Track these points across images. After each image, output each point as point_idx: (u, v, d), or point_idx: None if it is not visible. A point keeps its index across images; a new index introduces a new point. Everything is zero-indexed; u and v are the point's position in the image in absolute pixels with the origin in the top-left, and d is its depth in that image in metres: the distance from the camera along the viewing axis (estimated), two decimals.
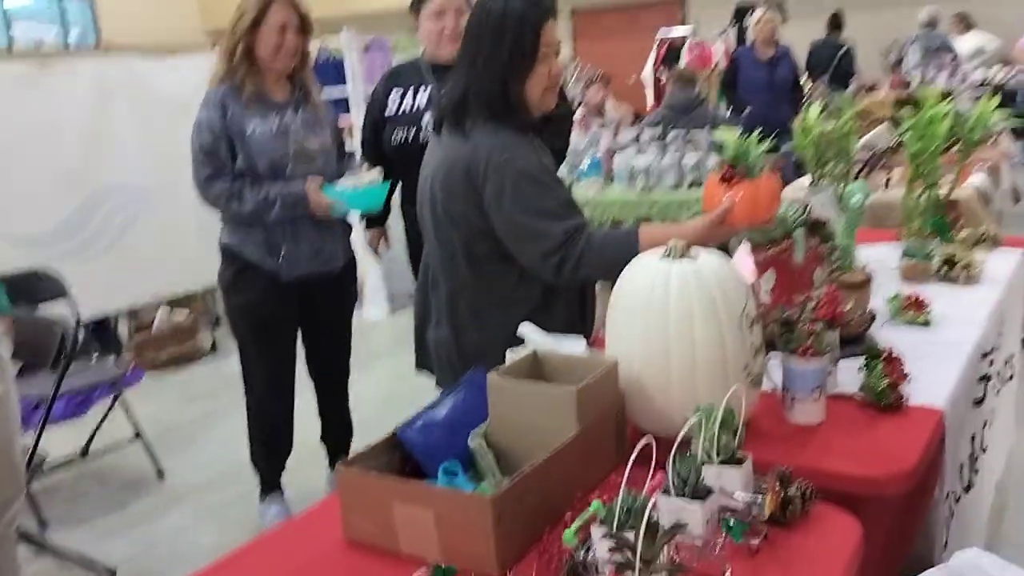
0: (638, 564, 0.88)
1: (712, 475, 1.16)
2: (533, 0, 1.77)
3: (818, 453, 1.43)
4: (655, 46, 9.71)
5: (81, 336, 3.84)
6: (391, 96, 2.93)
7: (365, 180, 2.74)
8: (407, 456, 1.40)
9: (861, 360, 1.66)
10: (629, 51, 10.41)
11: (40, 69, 4.21)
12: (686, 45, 9.47)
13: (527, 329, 1.74)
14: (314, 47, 6.13)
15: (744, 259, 1.93)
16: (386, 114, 2.93)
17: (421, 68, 2.92)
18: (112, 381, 3.47)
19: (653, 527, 0.92)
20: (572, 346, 1.70)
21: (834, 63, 8.84)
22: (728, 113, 6.43)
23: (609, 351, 1.56)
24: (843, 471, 1.37)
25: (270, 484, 2.93)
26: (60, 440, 3.57)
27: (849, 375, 1.67)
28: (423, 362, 2.15)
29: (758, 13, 6.32)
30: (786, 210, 1.90)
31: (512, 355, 1.66)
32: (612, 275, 1.75)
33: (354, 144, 5.32)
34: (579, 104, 6.92)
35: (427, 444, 1.40)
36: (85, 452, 3.51)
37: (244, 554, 1.33)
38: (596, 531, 1.03)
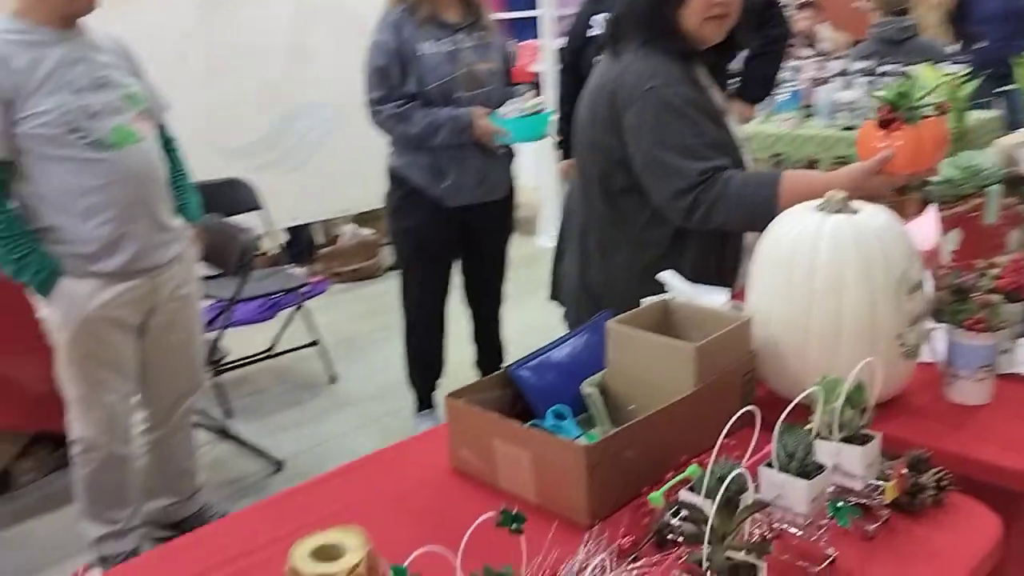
0: (707, 535, 0.82)
1: (829, 452, 1.06)
2: None
3: (972, 439, 1.27)
4: None
5: (275, 244, 4.14)
6: (595, 18, 2.84)
7: (528, 106, 2.70)
8: (520, 393, 1.38)
9: None
10: None
11: None
12: None
13: (668, 276, 1.65)
14: None
15: (929, 219, 1.73)
16: (587, 35, 2.86)
17: None
18: (297, 289, 3.70)
19: (734, 501, 0.85)
20: (713, 298, 1.60)
21: None
22: (956, 48, 5.73)
23: (748, 305, 1.46)
24: (996, 462, 1.21)
25: (424, 401, 3.05)
26: (250, 338, 3.88)
27: None
28: (556, 293, 2.12)
29: None
30: (981, 162, 1.67)
31: (645, 301, 1.61)
32: (748, 226, 1.63)
33: (544, 67, 5.29)
34: None
35: (539, 384, 1.37)
36: (270, 352, 3.79)
37: (359, 466, 1.37)
38: (684, 496, 0.97)
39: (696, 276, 1.59)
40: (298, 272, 4.34)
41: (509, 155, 2.92)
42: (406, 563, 0.76)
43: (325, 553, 0.87)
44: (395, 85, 2.69)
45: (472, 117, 2.68)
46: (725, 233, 1.76)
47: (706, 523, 0.82)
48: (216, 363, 3.22)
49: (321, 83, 4.62)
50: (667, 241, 1.74)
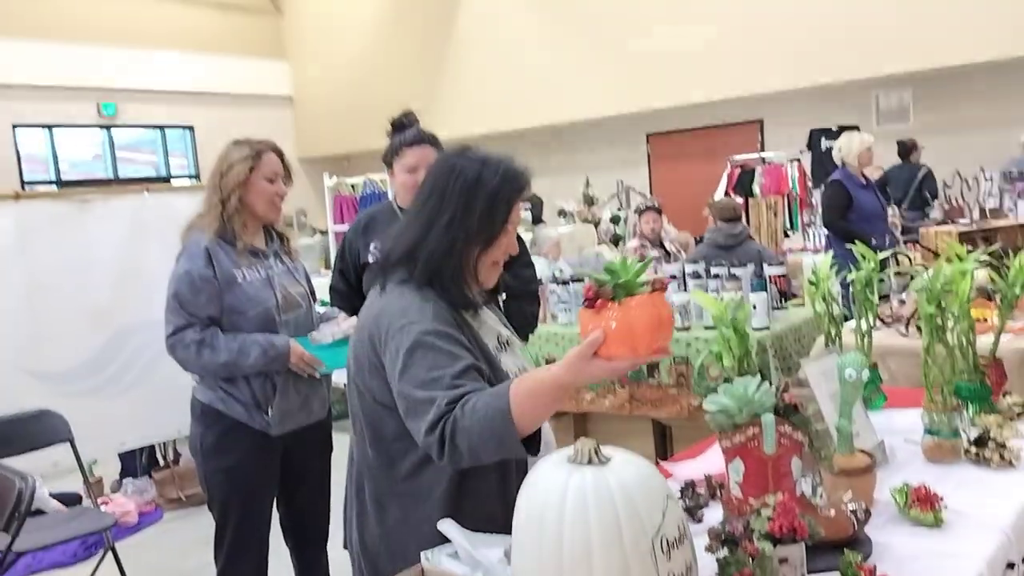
0: None
1: None
2: (509, 176, 1.64)
3: None
4: (727, 170, 9.57)
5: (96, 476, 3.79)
6: (371, 246, 2.81)
7: (344, 327, 2.62)
8: None
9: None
10: (705, 174, 10.31)
11: (80, 207, 4.30)
12: (759, 169, 9.30)
13: (447, 526, 1.54)
14: (359, 181, 6.26)
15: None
16: (362, 261, 2.80)
17: (397, 214, 2.78)
18: (108, 529, 3.35)
19: None
20: (488, 552, 1.48)
21: (914, 187, 8.48)
22: (832, 245, 5.60)
23: (514, 568, 1.32)
24: None
25: None
26: None
27: None
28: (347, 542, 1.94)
29: (862, 136, 5.64)
30: (751, 389, 1.63)
31: (427, 556, 1.48)
32: (497, 446, 1.46)
33: None
34: (635, 234, 6.78)
35: None
36: None
37: None
38: None
39: (481, 528, 1.48)
40: (121, 505, 3.98)
41: (327, 375, 2.78)
42: None
43: None
44: (196, 314, 2.55)
45: (289, 345, 2.57)
46: (506, 482, 1.64)
47: None
48: None
49: (155, 301, 4.42)
50: (440, 491, 1.62)
